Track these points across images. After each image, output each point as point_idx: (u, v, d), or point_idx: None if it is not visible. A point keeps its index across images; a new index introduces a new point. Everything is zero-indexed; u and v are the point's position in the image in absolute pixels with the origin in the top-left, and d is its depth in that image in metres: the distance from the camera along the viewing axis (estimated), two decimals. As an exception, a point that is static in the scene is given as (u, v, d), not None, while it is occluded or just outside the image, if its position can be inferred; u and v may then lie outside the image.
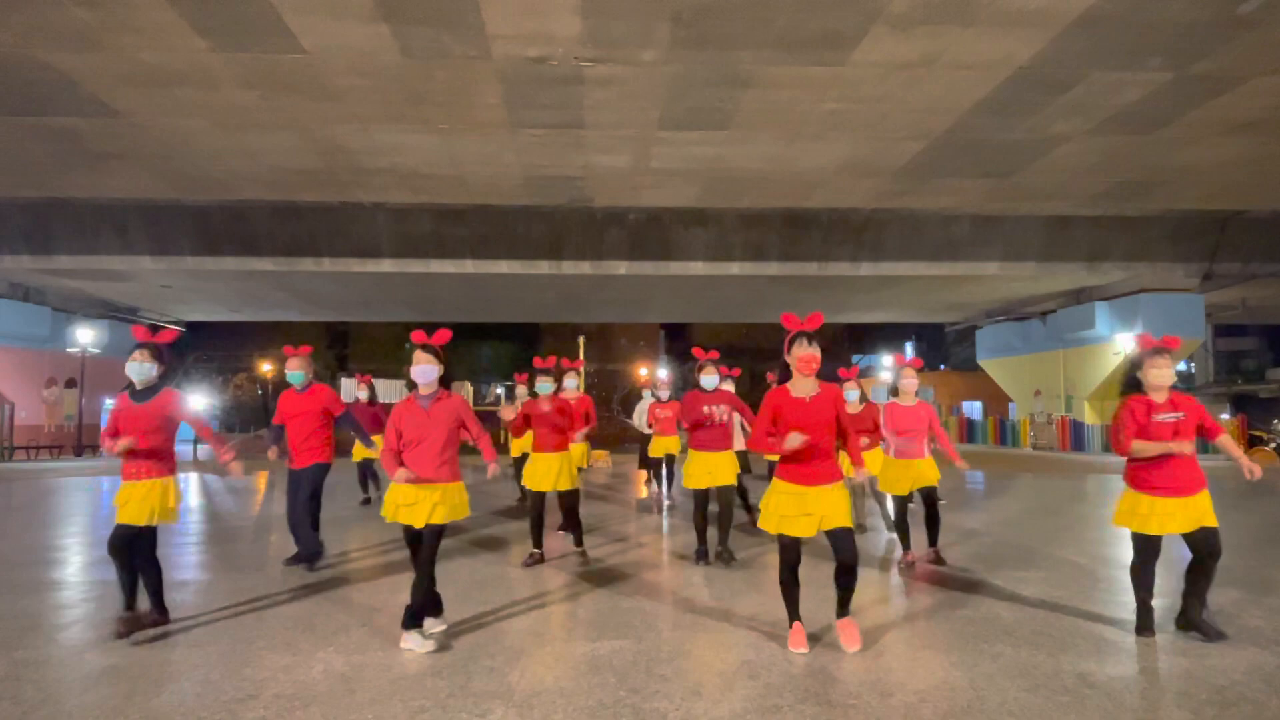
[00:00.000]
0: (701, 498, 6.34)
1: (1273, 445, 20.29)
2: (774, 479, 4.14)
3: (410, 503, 4.17)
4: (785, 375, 4.17)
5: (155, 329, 4.52)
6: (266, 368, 41.93)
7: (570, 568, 6.19)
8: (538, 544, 6.37)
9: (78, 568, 6.45)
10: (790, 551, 4.13)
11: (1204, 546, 4.19)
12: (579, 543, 6.53)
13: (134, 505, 4.29)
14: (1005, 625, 4.53)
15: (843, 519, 4.00)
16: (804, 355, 4.03)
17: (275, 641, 4.27)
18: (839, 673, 3.75)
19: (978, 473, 15.38)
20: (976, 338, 32.32)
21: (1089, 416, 24.73)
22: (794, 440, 3.90)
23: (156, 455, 4.37)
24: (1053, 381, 26.95)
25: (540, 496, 6.34)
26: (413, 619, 4.15)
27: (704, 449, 6.23)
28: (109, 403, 29.59)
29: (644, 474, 11.82)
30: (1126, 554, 6.93)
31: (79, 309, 25.10)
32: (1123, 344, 22.39)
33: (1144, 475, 4.27)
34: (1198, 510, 4.17)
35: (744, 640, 4.28)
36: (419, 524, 4.17)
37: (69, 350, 24.58)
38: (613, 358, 54.27)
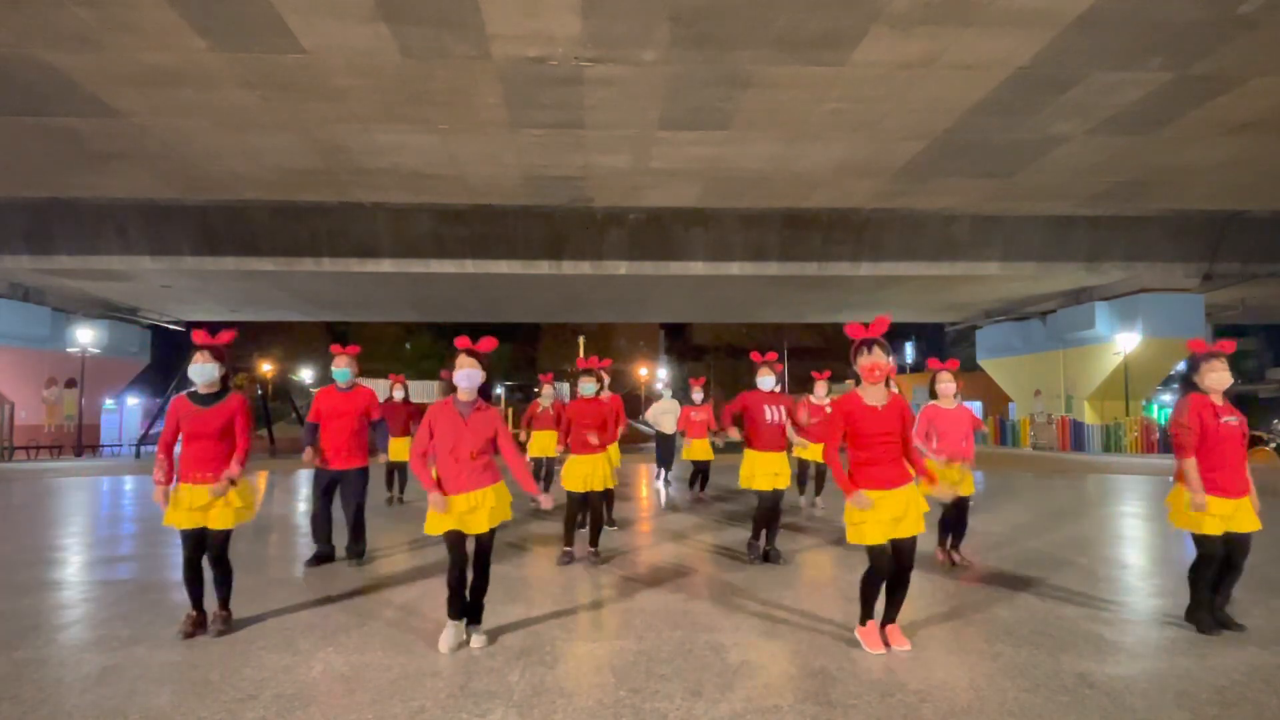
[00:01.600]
0: (768, 499, 6.21)
1: (1273, 445, 20.28)
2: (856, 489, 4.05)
3: (469, 509, 4.10)
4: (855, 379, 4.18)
5: (215, 330, 4.53)
6: (267, 368, 41.94)
7: (569, 569, 6.18)
8: (569, 542, 6.40)
9: (78, 568, 6.44)
10: (884, 562, 4.01)
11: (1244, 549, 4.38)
12: (594, 542, 6.46)
13: (218, 510, 4.31)
14: (1005, 625, 4.53)
15: (917, 526, 4.01)
16: (866, 364, 4.00)
17: (275, 641, 4.27)
18: (839, 673, 3.75)
19: (978, 473, 15.38)
20: (976, 338, 32.31)
21: (1089, 416, 24.74)
22: (862, 502, 3.94)
23: (224, 458, 4.39)
24: (1053, 381, 26.95)
25: (579, 498, 6.32)
26: (473, 613, 4.26)
27: (766, 449, 6.16)
28: (109, 403, 29.67)
29: (648, 470, 11.85)
30: (1127, 554, 6.94)
31: (79, 309, 25.10)
32: (1122, 344, 22.41)
33: (1213, 477, 4.33)
34: (1246, 512, 4.35)
35: (744, 640, 4.28)
36: (482, 529, 4.13)
37: (69, 350, 24.59)
38: (613, 358, 54.29)
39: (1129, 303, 22.38)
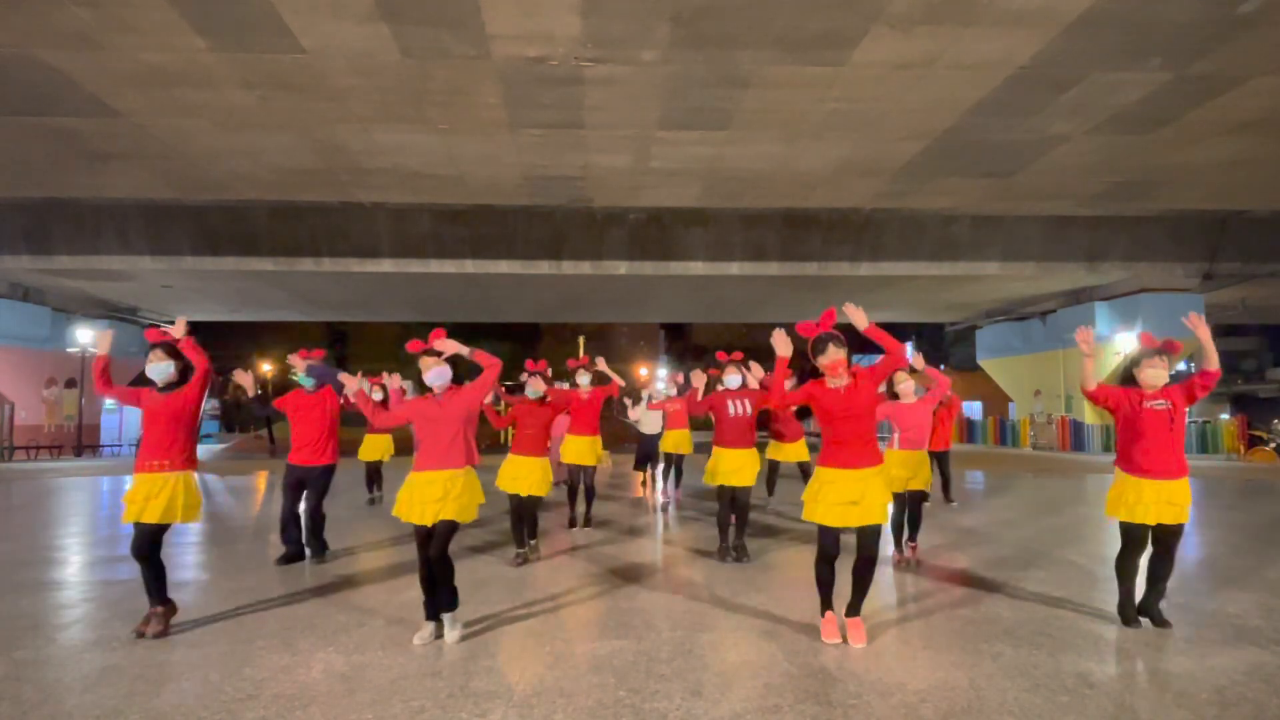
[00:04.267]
0: (726, 494, 6.35)
1: (1273, 445, 20.27)
2: (818, 468, 4.20)
3: (436, 498, 4.19)
4: (812, 373, 4.28)
5: (164, 329, 4.65)
6: (266, 368, 41.93)
7: (569, 569, 6.18)
8: (520, 543, 6.41)
9: (78, 568, 6.45)
10: (831, 543, 4.16)
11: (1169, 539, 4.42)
12: (520, 543, 6.40)
13: (155, 504, 4.31)
14: (1005, 625, 4.53)
15: (878, 515, 4.07)
16: (827, 363, 4.12)
17: (275, 641, 4.27)
18: (839, 673, 3.75)
19: (978, 473, 15.38)
20: (976, 338, 32.30)
21: (1089, 416, 24.73)
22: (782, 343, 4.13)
23: (180, 446, 4.43)
24: (1053, 381, 26.94)
25: (516, 499, 6.37)
26: (444, 601, 4.30)
27: (729, 446, 6.26)
28: (109, 403, 29.66)
29: (640, 474, 11.81)
30: (1126, 554, 6.95)
31: (79, 309, 25.09)
32: (1123, 344, 22.39)
33: (1132, 456, 4.39)
34: (1175, 503, 4.31)
35: (744, 640, 4.28)
36: (445, 518, 4.22)
37: (69, 350, 24.58)
38: (613, 358, 54.16)
39: (1129, 303, 22.38)
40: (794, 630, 4.42)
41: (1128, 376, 4.52)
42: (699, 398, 6.47)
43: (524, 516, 6.41)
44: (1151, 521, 4.32)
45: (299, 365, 6.48)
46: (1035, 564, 6.28)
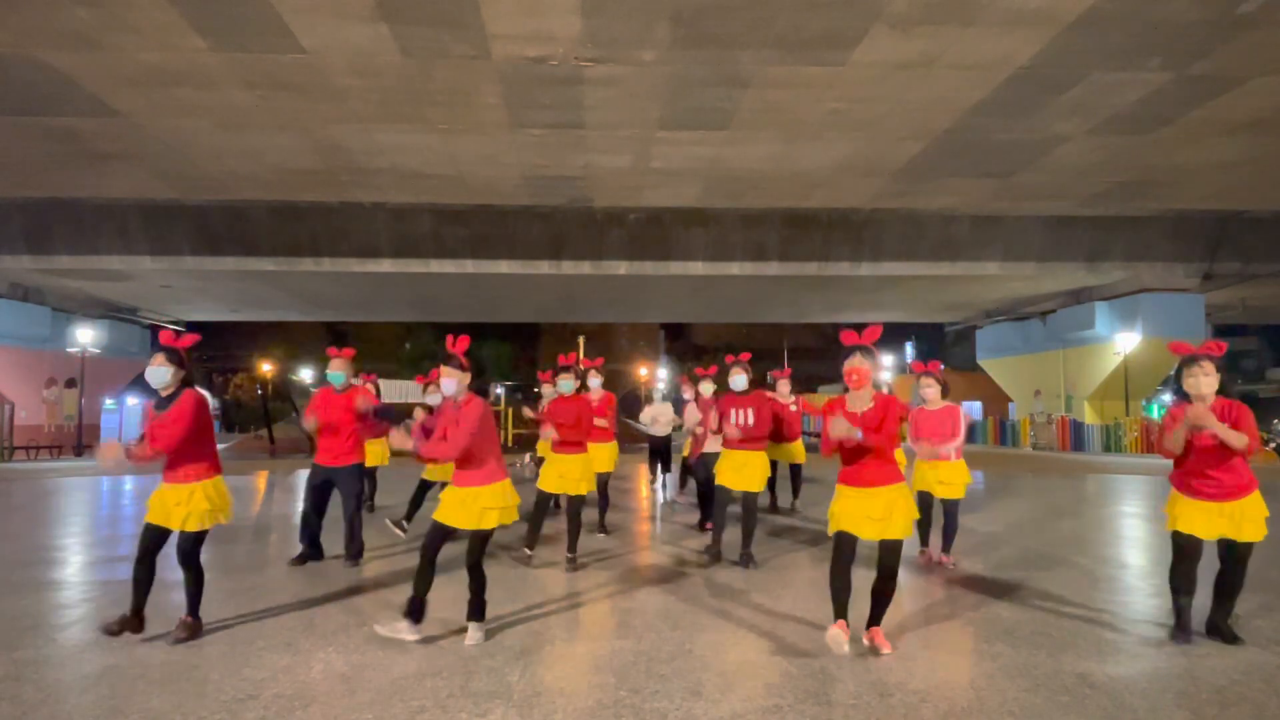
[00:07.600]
0: (724, 495, 6.24)
1: (1273, 445, 20.28)
2: (838, 485, 4.14)
3: (458, 501, 4.22)
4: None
5: (178, 334, 4.47)
6: (266, 368, 41.93)
7: (570, 569, 6.17)
8: (530, 544, 6.30)
9: (78, 568, 6.45)
10: (846, 548, 4.06)
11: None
12: (571, 547, 6.23)
13: (183, 510, 4.23)
14: (1005, 625, 4.52)
15: (899, 531, 3.98)
16: (846, 369, 4.05)
17: (275, 641, 4.26)
18: (839, 673, 3.74)
19: (978, 473, 15.38)
20: (976, 338, 32.30)
21: (1089, 416, 24.73)
22: (838, 428, 3.90)
23: (188, 459, 4.30)
24: (1053, 381, 26.95)
25: (548, 498, 6.25)
26: (471, 609, 4.29)
27: (735, 446, 6.17)
28: (109, 403, 29.67)
29: (646, 471, 11.83)
30: (1127, 555, 6.95)
31: (79, 309, 25.09)
32: (1122, 344, 22.40)
33: (1182, 474, 4.23)
34: (1242, 518, 4.13)
35: (744, 640, 4.28)
36: (463, 525, 4.22)
37: (69, 350, 24.58)
38: (613, 358, 54.31)
39: (1129, 303, 22.38)
40: (794, 630, 4.42)
41: (1180, 392, 4.32)
42: (709, 408, 6.35)
43: (570, 517, 6.19)
44: (1201, 535, 4.15)
45: (335, 365, 6.33)
46: (1035, 564, 6.27)
